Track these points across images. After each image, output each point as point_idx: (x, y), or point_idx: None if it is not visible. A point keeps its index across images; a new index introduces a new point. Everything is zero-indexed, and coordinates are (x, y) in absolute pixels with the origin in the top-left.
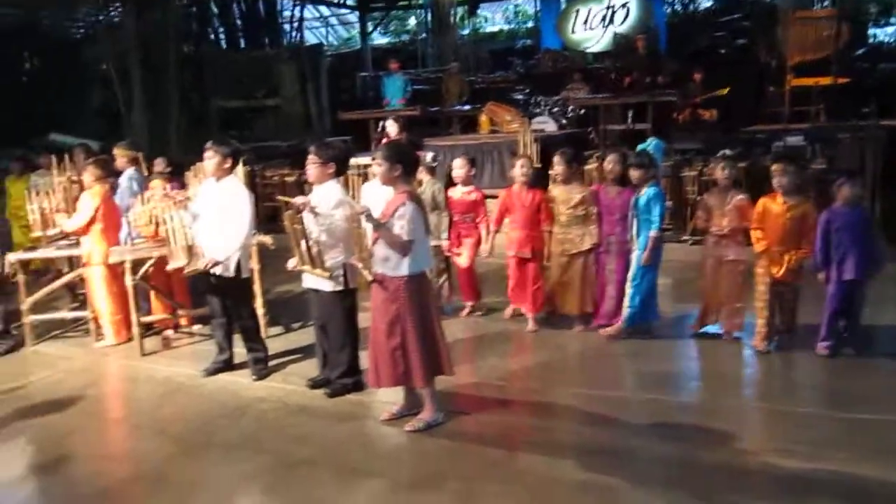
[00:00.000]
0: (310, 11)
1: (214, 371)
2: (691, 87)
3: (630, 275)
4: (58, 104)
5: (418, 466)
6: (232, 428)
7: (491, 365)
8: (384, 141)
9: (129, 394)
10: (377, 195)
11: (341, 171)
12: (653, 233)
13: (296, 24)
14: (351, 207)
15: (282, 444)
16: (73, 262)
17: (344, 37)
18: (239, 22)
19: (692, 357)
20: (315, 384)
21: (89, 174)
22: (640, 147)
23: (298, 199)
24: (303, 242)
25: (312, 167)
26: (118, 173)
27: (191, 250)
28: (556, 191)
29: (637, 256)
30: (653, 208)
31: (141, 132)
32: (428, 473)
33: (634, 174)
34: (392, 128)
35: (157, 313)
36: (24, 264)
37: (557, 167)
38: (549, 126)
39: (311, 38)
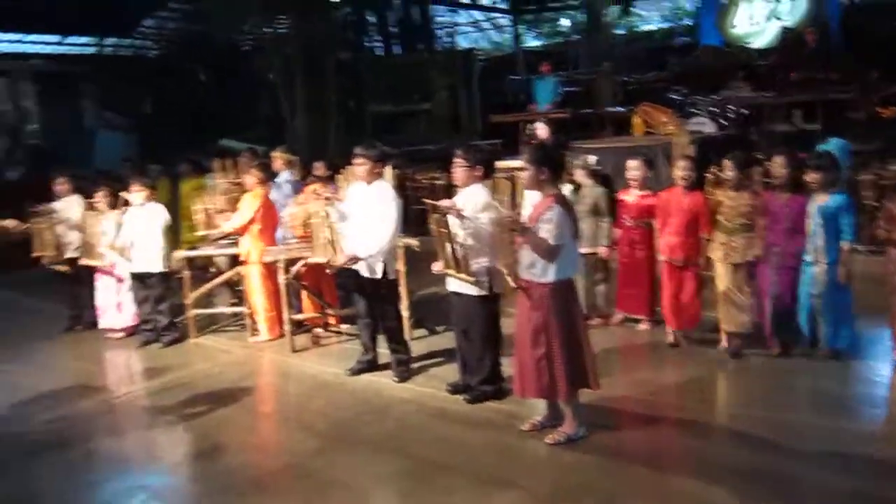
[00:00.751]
0: (463, 16)
1: (359, 371)
2: (869, 82)
3: (815, 291)
4: (230, 112)
5: (558, 480)
6: (374, 427)
7: (638, 378)
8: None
9: (279, 388)
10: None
11: (488, 174)
12: (847, 245)
13: (449, 30)
14: (497, 211)
15: (421, 447)
16: (233, 261)
17: (496, 41)
18: (395, 29)
19: (876, 381)
20: (455, 389)
21: (251, 177)
22: (820, 147)
23: (444, 203)
24: (448, 246)
25: (459, 170)
26: (275, 176)
27: (334, 246)
28: (723, 196)
29: (827, 272)
30: (843, 218)
31: (302, 137)
32: (568, 487)
33: (813, 178)
34: (542, 130)
35: (308, 312)
36: (189, 261)
37: (728, 172)
38: (706, 127)
39: (464, 43)
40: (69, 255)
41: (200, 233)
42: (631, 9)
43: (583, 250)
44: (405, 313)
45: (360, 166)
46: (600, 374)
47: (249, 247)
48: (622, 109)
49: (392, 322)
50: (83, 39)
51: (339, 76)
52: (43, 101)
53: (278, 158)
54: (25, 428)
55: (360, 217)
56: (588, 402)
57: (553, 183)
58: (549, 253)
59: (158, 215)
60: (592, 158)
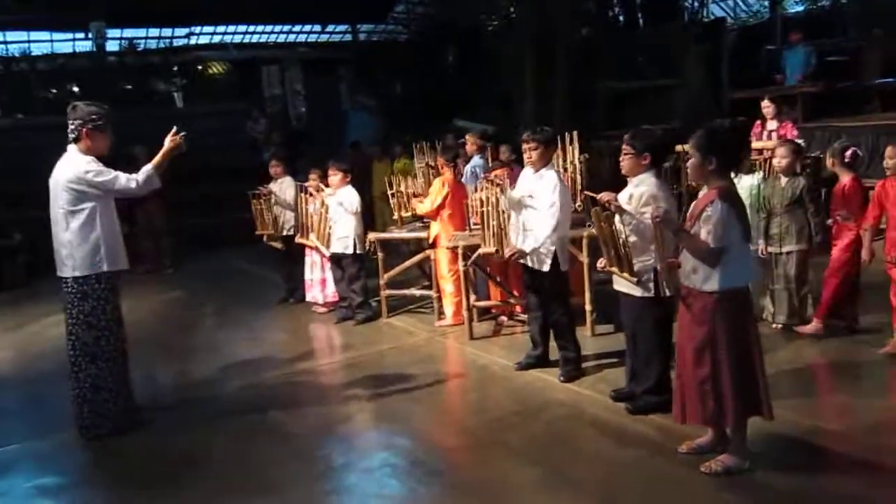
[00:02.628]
0: None
1: (526, 366)
2: None
3: None
4: (470, 92)
5: None
6: (521, 430)
7: (838, 405)
8: (758, 124)
9: (443, 377)
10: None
11: (658, 161)
12: None
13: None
14: (657, 205)
15: (561, 457)
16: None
17: (753, 8)
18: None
19: None
20: (619, 397)
21: (438, 160)
22: None
23: (603, 195)
24: (610, 242)
25: (625, 158)
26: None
27: (502, 237)
28: None
29: None
30: None
31: (529, 118)
32: None
33: None
34: (767, 108)
35: (495, 299)
36: (383, 243)
37: None
38: None
39: (717, 12)
40: (285, 233)
41: (397, 215)
42: None
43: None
44: (587, 307)
45: (527, 151)
46: (789, 394)
47: (439, 231)
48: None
49: (559, 317)
50: (342, 27)
51: (572, 53)
52: (307, 85)
53: (471, 143)
54: (221, 392)
55: (527, 206)
56: (761, 430)
57: (721, 174)
58: (710, 257)
59: (352, 200)
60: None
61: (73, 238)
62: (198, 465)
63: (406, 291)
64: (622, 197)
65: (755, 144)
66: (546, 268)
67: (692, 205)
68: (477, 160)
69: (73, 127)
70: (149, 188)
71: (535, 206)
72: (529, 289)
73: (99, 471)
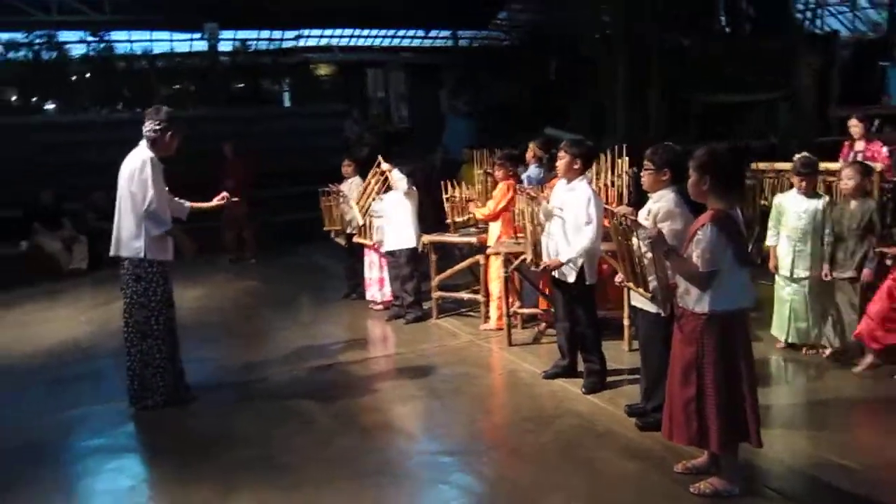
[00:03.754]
0: None
1: (553, 375)
2: None
3: None
4: (566, 102)
5: None
6: (531, 437)
7: (863, 441)
8: (846, 145)
9: (473, 379)
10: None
11: (678, 177)
12: None
13: (814, 7)
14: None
15: (560, 465)
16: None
17: (875, 21)
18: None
19: None
20: (632, 412)
21: (498, 168)
22: None
23: (620, 209)
24: (627, 256)
25: (645, 173)
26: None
27: (536, 248)
28: None
29: None
30: None
31: (620, 128)
32: None
33: None
34: (856, 128)
35: (541, 307)
36: (437, 246)
37: None
38: None
39: (834, 24)
40: (349, 231)
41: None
42: None
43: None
44: (626, 321)
45: (561, 160)
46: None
47: (491, 236)
48: None
49: (584, 329)
50: (444, 33)
51: (667, 63)
52: (409, 89)
53: (531, 151)
54: (263, 376)
55: (559, 218)
56: (769, 458)
57: (717, 196)
58: (699, 280)
59: (411, 199)
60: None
61: (127, 225)
62: (225, 442)
63: (455, 294)
64: (642, 212)
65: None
66: (571, 279)
67: (689, 228)
68: (533, 169)
69: (153, 127)
70: (152, 226)
71: (564, 218)
72: (557, 300)
73: (140, 438)
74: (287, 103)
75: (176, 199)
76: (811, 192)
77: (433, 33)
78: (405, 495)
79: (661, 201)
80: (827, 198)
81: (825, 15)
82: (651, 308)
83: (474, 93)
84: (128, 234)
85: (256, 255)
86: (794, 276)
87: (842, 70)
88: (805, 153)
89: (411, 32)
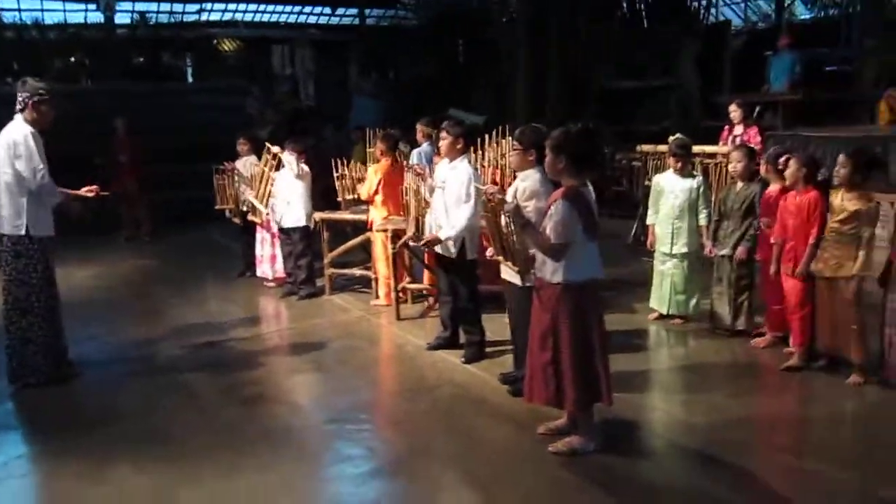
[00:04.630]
0: None
1: (436, 346)
2: None
3: None
4: (470, 81)
5: (530, 490)
6: (407, 405)
7: (716, 402)
8: (726, 129)
9: (359, 352)
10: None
11: (544, 158)
12: None
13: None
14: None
15: (433, 431)
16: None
17: (766, 12)
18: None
19: None
20: (505, 380)
21: (377, 148)
22: None
23: (487, 188)
24: (496, 232)
25: (513, 154)
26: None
27: (418, 223)
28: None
29: None
30: None
31: (520, 108)
32: (536, 499)
33: None
34: (734, 112)
35: (429, 282)
36: (326, 223)
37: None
38: None
39: (731, 15)
40: (244, 209)
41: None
42: None
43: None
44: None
45: (443, 140)
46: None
47: (374, 214)
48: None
49: (466, 303)
50: (352, 11)
51: (567, 46)
52: (317, 66)
53: (420, 131)
54: (151, 352)
55: (442, 195)
56: (625, 418)
57: (571, 174)
58: (551, 251)
59: (304, 177)
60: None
61: (2, 199)
62: (107, 417)
63: (347, 271)
64: (510, 191)
65: (714, 149)
66: (454, 254)
67: (546, 203)
68: (425, 147)
69: (21, 98)
70: (45, 195)
71: (449, 196)
72: (440, 274)
73: (19, 416)
74: (190, 79)
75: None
76: (686, 173)
77: (340, 11)
78: (283, 463)
79: (527, 180)
80: (700, 177)
81: (720, 5)
82: (519, 281)
83: (381, 72)
84: (8, 212)
85: (151, 233)
86: (673, 252)
87: (734, 59)
88: (679, 136)
89: (318, 9)
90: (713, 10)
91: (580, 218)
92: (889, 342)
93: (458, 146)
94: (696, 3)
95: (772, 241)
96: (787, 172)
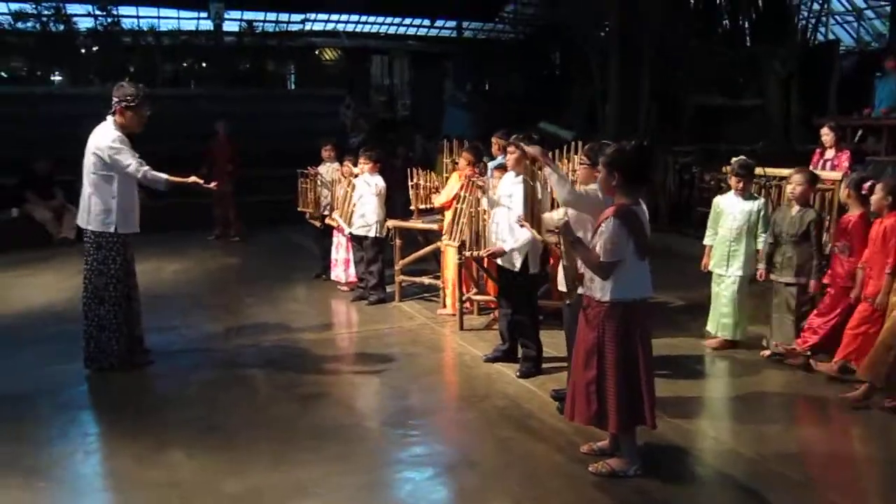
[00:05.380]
0: (841, 4)
1: (493, 359)
2: None
3: None
4: (560, 96)
5: None
6: (454, 415)
7: (770, 433)
8: (817, 153)
9: (419, 358)
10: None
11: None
12: None
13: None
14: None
15: (474, 442)
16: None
17: (880, 31)
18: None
19: None
20: (556, 396)
21: (463, 158)
22: None
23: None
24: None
25: (580, 169)
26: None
27: (477, 235)
28: None
29: None
30: None
31: (611, 124)
32: None
33: None
34: (826, 136)
35: (494, 295)
36: (401, 231)
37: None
38: None
39: (842, 34)
40: (323, 212)
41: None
42: None
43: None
44: None
45: (510, 155)
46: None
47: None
48: None
49: (524, 317)
50: (451, 23)
51: (661, 62)
52: (414, 76)
53: (495, 143)
54: (221, 346)
55: (505, 208)
56: (674, 444)
57: (625, 191)
58: (599, 270)
59: (377, 182)
60: None
61: (92, 197)
62: (170, 403)
63: (417, 279)
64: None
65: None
66: (516, 268)
67: (598, 219)
68: (501, 160)
69: (114, 101)
70: (151, 185)
71: (511, 208)
72: (501, 287)
73: (90, 397)
74: (292, 86)
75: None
76: (747, 195)
77: (439, 23)
78: (327, 460)
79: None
80: (762, 200)
81: (832, 24)
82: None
83: (476, 84)
84: (97, 210)
85: (241, 233)
86: (728, 273)
87: (844, 80)
88: (742, 157)
89: (417, 21)
90: (822, 30)
91: (631, 236)
92: None
93: (526, 161)
94: (803, 23)
95: (858, 266)
96: (873, 199)
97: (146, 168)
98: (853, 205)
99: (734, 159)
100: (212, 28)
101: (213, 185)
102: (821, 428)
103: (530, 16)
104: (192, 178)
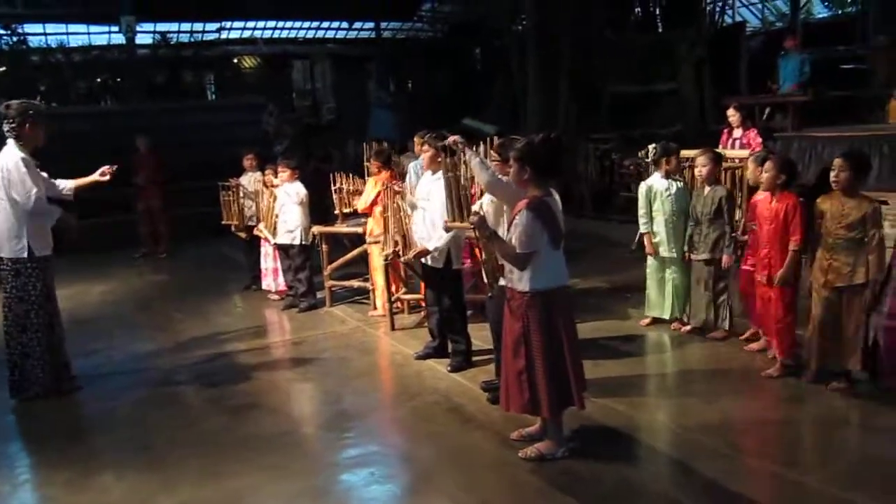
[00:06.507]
0: None
1: (424, 356)
2: None
3: None
4: (485, 92)
5: (492, 495)
6: (387, 412)
7: (690, 405)
8: (725, 132)
9: (350, 361)
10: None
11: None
12: None
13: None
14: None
15: (406, 437)
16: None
17: (783, 11)
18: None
19: None
20: (486, 387)
21: (373, 162)
22: None
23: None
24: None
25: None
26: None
27: (405, 239)
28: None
29: None
30: None
31: (532, 118)
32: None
33: None
34: (733, 116)
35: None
36: (327, 236)
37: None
38: None
39: (748, 16)
40: (249, 223)
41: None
42: None
43: (698, 257)
44: None
45: (425, 153)
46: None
47: (372, 226)
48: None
49: (452, 312)
50: (369, 24)
51: (578, 53)
52: (336, 80)
53: (417, 143)
54: (150, 365)
55: (425, 208)
56: (595, 422)
57: (536, 183)
58: (516, 261)
59: (298, 191)
60: None
61: (3, 223)
62: (99, 427)
63: (346, 283)
64: (478, 203)
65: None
66: (440, 265)
67: (512, 212)
68: (421, 160)
69: (7, 123)
70: (43, 215)
71: (428, 207)
72: (427, 285)
73: (18, 426)
74: (212, 97)
75: (54, 181)
76: (675, 176)
77: (358, 24)
78: (260, 470)
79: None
80: (679, 182)
81: (738, 6)
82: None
83: (399, 84)
84: (8, 236)
85: (168, 249)
86: (672, 255)
87: (752, 60)
88: (664, 142)
89: (336, 24)
90: (729, 12)
91: (545, 227)
92: (877, 346)
93: (440, 158)
94: (710, 6)
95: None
96: (764, 177)
97: (38, 202)
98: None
99: (650, 147)
100: (124, 41)
101: (108, 168)
102: (741, 397)
103: (448, 13)
104: (98, 172)
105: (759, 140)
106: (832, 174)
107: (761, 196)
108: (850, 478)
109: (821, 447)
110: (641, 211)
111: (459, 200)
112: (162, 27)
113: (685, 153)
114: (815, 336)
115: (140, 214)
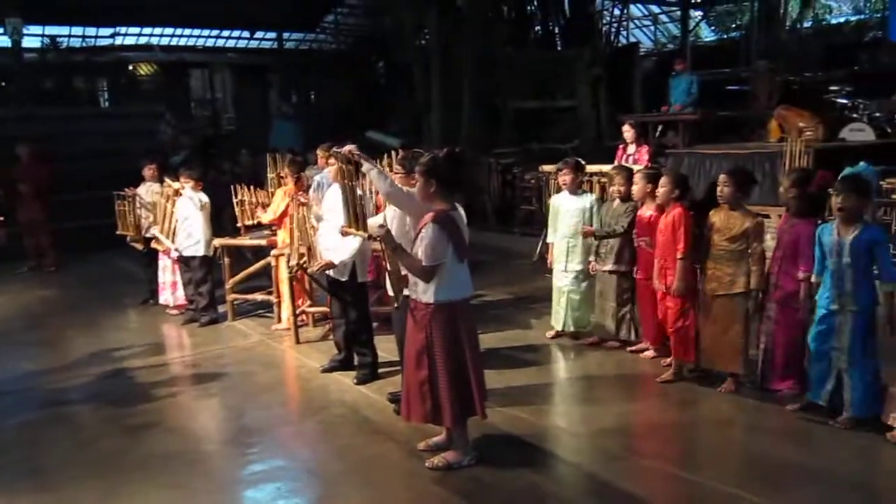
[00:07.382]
0: (639, 10)
1: (330, 369)
2: None
3: (847, 345)
4: (385, 106)
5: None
6: (292, 427)
7: (588, 414)
8: (620, 148)
9: (255, 376)
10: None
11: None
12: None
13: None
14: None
15: (313, 451)
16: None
17: (674, 33)
18: (560, 23)
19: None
20: (393, 398)
21: (284, 172)
22: (848, 171)
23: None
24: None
25: (396, 177)
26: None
27: (310, 251)
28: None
29: (858, 322)
30: (880, 255)
31: (436, 132)
32: None
33: (847, 203)
34: (627, 133)
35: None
36: (227, 249)
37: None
38: (864, 135)
39: (642, 37)
40: (147, 235)
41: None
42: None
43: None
44: None
45: (330, 168)
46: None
47: (282, 237)
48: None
49: (356, 324)
50: (271, 34)
51: (478, 71)
52: (237, 90)
53: (321, 156)
54: (39, 384)
55: (330, 220)
56: (500, 431)
57: (442, 197)
58: (422, 273)
59: (201, 200)
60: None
61: None
62: None
63: (249, 296)
64: (381, 216)
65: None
66: (345, 278)
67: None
68: (326, 173)
69: None
70: None
71: (333, 220)
72: (333, 297)
73: None
74: (105, 104)
75: None
76: (578, 191)
77: (259, 34)
78: (157, 490)
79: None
80: (593, 196)
81: (632, 28)
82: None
83: (301, 96)
84: None
85: (57, 262)
86: (568, 269)
87: (647, 79)
88: (568, 159)
89: (236, 33)
90: (624, 33)
91: (450, 240)
92: (765, 352)
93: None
94: (606, 27)
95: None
96: (659, 191)
97: None
98: (649, 199)
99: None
100: (10, 45)
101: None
102: (637, 403)
103: (352, 25)
104: None
105: (647, 157)
106: (718, 189)
107: (647, 212)
108: (738, 475)
109: (712, 447)
110: (549, 222)
111: (356, 209)
112: (51, 30)
113: (600, 168)
114: (702, 340)
115: (23, 226)
